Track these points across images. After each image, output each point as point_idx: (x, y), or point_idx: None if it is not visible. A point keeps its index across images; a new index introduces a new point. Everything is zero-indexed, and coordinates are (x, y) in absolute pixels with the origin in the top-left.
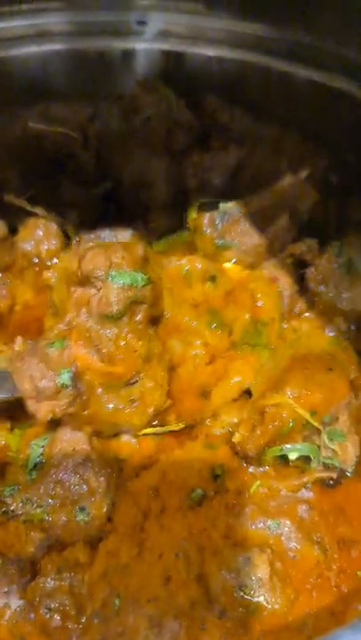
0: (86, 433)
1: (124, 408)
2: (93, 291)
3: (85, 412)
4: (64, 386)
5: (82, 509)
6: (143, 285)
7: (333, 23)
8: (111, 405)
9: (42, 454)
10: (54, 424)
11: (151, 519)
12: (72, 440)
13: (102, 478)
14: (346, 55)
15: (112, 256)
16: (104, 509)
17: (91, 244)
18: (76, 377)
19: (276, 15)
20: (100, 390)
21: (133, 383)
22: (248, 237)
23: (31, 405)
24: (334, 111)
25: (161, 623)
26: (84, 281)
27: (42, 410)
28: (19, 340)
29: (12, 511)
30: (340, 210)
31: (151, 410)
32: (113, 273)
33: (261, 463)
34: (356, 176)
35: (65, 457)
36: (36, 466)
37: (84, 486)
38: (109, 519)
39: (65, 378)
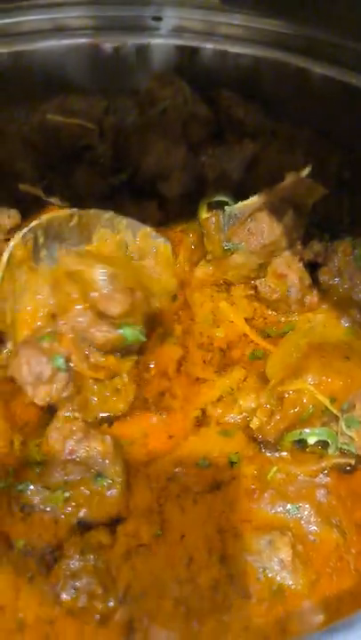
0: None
1: (110, 396)
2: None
3: (79, 395)
4: (59, 369)
5: (99, 475)
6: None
7: (350, 19)
8: (98, 393)
9: (40, 450)
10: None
11: (170, 502)
12: (66, 426)
13: (108, 437)
14: (357, 50)
15: None
16: (119, 469)
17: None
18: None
19: (291, 11)
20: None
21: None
22: (255, 238)
23: (30, 391)
24: (349, 108)
25: (187, 603)
26: None
27: (39, 394)
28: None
29: (32, 505)
30: (353, 205)
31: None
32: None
33: (279, 449)
34: None
35: (64, 440)
36: (39, 463)
37: (93, 453)
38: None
39: (59, 362)
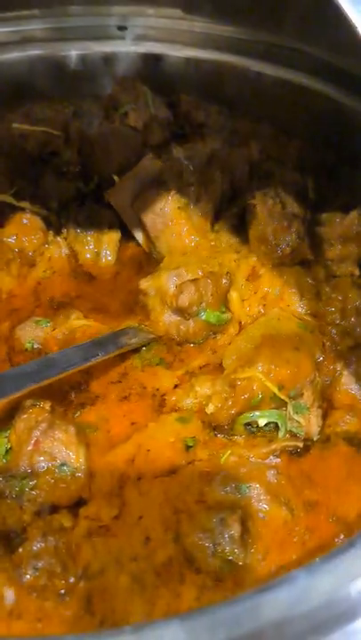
0: (46, 404)
1: None
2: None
3: None
4: None
5: (63, 464)
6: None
7: (302, 26)
8: None
9: (8, 441)
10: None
11: (129, 486)
12: (32, 415)
13: (71, 427)
14: (310, 53)
15: (203, 293)
16: (81, 458)
17: (186, 278)
18: None
19: (248, 18)
20: None
21: None
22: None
23: None
24: (304, 106)
25: (143, 579)
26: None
27: None
28: None
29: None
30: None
31: None
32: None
33: (232, 433)
34: (325, 160)
35: (30, 430)
36: (7, 451)
37: (57, 443)
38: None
39: None
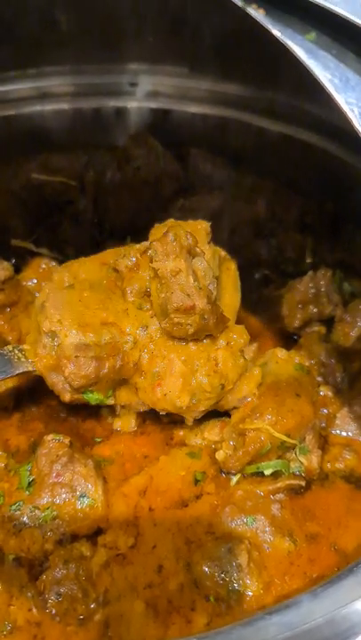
0: (65, 439)
1: None
2: None
3: None
4: None
5: (82, 496)
6: None
7: (304, 84)
8: None
9: (30, 473)
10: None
11: (144, 516)
12: (53, 449)
13: (90, 461)
14: (309, 110)
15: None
16: (100, 490)
17: None
18: None
19: (251, 77)
20: None
21: None
22: None
23: None
24: (306, 161)
25: (156, 605)
26: None
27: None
28: None
29: (24, 523)
30: (315, 245)
31: None
32: None
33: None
34: (325, 217)
35: (51, 464)
36: (29, 484)
37: (77, 476)
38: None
39: None
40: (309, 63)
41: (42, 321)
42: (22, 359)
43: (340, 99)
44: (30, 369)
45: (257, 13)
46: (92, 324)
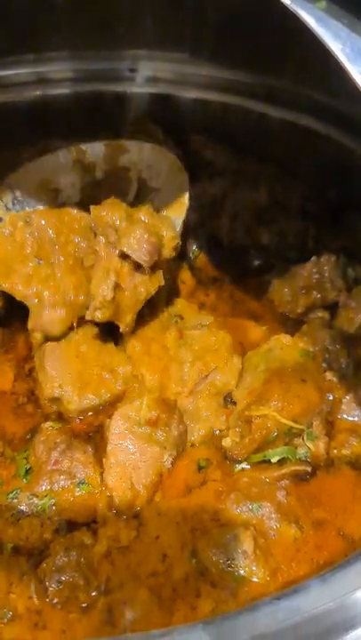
0: (65, 426)
1: None
2: None
3: None
4: None
5: (81, 482)
6: None
7: (304, 70)
8: None
9: (27, 461)
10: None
11: (147, 506)
12: (51, 436)
13: (89, 447)
14: (310, 96)
15: None
16: (99, 476)
17: None
18: None
19: (252, 62)
20: None
21: None
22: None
23: None
24: (306, 147)
25: (160, 592)
26: None
27: None
28: None
29: (22, 511)
30: (317, 231)
31: None
32: None
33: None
34: (327, 203)
35: (50, 451)
36: (27, 471)
37: (75, 463)
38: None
39: None
40: (320, 32)
41: (43, 383)
42: None
43: (352, 69)
44: None
45: None
46: (90, 382)
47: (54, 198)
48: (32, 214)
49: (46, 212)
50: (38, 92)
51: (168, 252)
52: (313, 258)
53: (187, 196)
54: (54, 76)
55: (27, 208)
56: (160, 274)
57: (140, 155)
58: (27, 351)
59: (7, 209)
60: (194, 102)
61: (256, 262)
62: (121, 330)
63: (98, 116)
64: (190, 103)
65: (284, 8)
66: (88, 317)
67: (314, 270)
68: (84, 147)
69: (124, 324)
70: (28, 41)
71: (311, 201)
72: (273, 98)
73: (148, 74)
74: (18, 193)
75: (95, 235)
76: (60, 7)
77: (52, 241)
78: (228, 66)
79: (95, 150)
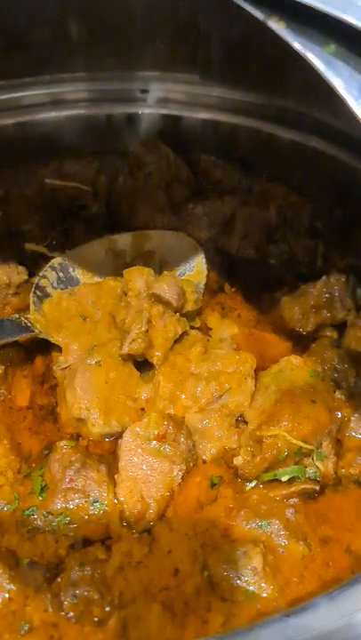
0: (79, 445)
1: None
2: None
3: None
4: None
5: (95, 501)
6: None
7: (311, 92)
8: None
9: (43, 479)
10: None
11: (159, 522)
12: (66, 455)
13: (103, 466)
14: (318, 118)
15: None
16: (112, 494)
17: None
18: None
19: (261, 84)
20: None
21: None
22: None
23: None
24: (314, 167)
25: (172, 607)
26: None
27: None
28: None
29: (37, 527)
30: (326, 250)
31: None
32: None
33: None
34: (335, 222)
35: (64, 470)
36: (42, 489)
37: (89, 481)
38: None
39: None
40: (328, 75)
41: (70, 402)
42: (29, 325)
43: (358, 109)
44: (36, 332)
45: (278, 26)
46: (115, 409)
47: (91, 278)
48: (75, 289)
49: (87, 286)
50: (53, 114)
51: (190, 305)
52: (323, 277)
53: (205, 267)
54: (68, 97)
55: (69, 286)
56: (185, 320)
57: (162, 241)
58: (43, 369)
59: (53, 287)
60: (204, 123)
61: (266, 280)
62: (154, 363)
63: (110, 135)
64: (200, 124)
65: None
66: (124, 352)
67: (324, 290)
68: (114, 237)
69: (156, 358)
70: (42, 64)
71: (320, 219)
72: (282, 119)
73: (159, 95)
74: (61, 274)
75: (125, 294)
76: (74, 31)
77: (93, 304)
78: (237, 88)
79: (124, 239)
